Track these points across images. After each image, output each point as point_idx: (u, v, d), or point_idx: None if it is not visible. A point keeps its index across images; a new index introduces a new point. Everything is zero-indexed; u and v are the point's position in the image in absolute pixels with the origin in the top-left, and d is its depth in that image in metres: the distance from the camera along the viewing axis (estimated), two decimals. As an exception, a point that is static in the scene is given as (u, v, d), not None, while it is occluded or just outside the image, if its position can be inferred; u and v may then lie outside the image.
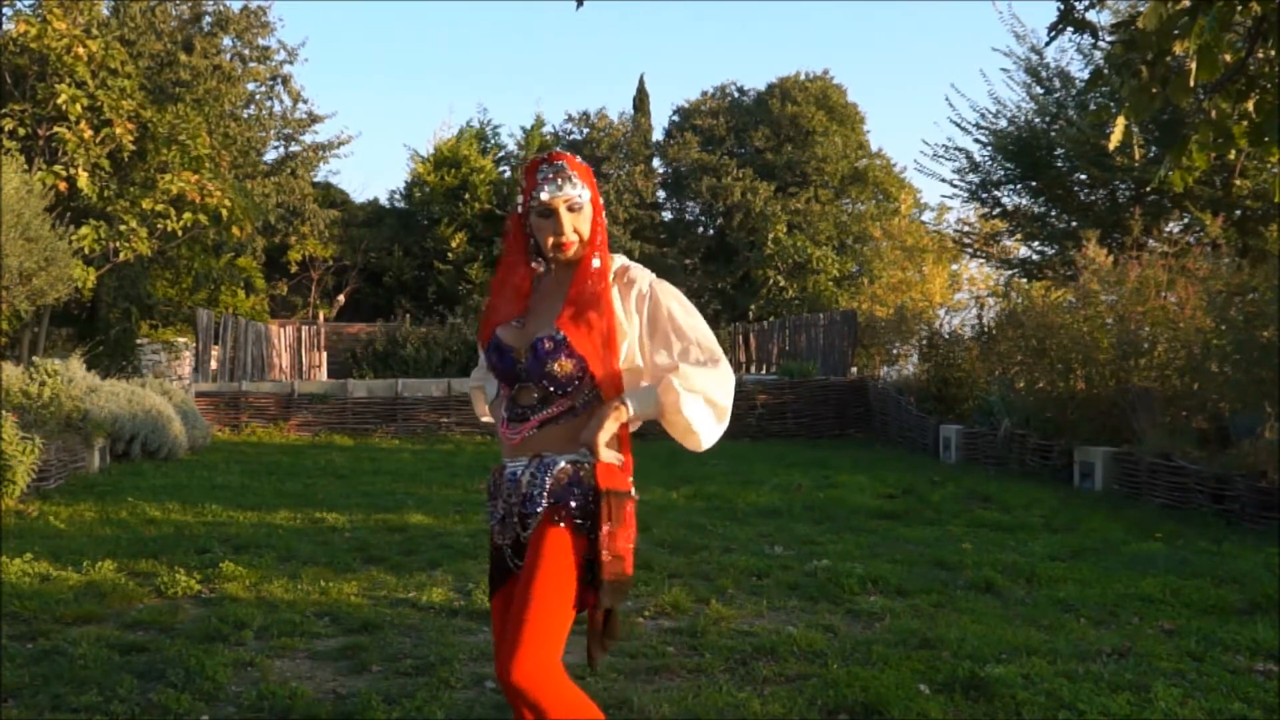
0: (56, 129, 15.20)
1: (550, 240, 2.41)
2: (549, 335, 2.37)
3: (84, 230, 15.19)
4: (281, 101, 24.23)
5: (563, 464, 2.35)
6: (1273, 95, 3.35)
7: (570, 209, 2.40)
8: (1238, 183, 13.47)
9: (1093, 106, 14.26)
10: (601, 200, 2.50)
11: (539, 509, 2.34)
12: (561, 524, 2.31)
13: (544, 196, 2.39)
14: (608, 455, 2.35)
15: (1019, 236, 17.79)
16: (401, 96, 58.39)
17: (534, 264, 2.50)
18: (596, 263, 2.42)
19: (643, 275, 2.48)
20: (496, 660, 2.30)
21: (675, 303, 2.47)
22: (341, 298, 27.90)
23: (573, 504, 2.33)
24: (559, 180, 2.39)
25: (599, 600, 2.33)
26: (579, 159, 2.46)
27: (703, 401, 2.39)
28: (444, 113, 72.28)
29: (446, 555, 6.32)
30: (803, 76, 28.93)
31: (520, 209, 2.47)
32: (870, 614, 4.94)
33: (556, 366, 2.36)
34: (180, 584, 5.41)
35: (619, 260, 2.50)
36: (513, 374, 2.43)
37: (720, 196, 27.39)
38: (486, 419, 2.81)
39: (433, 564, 6.08)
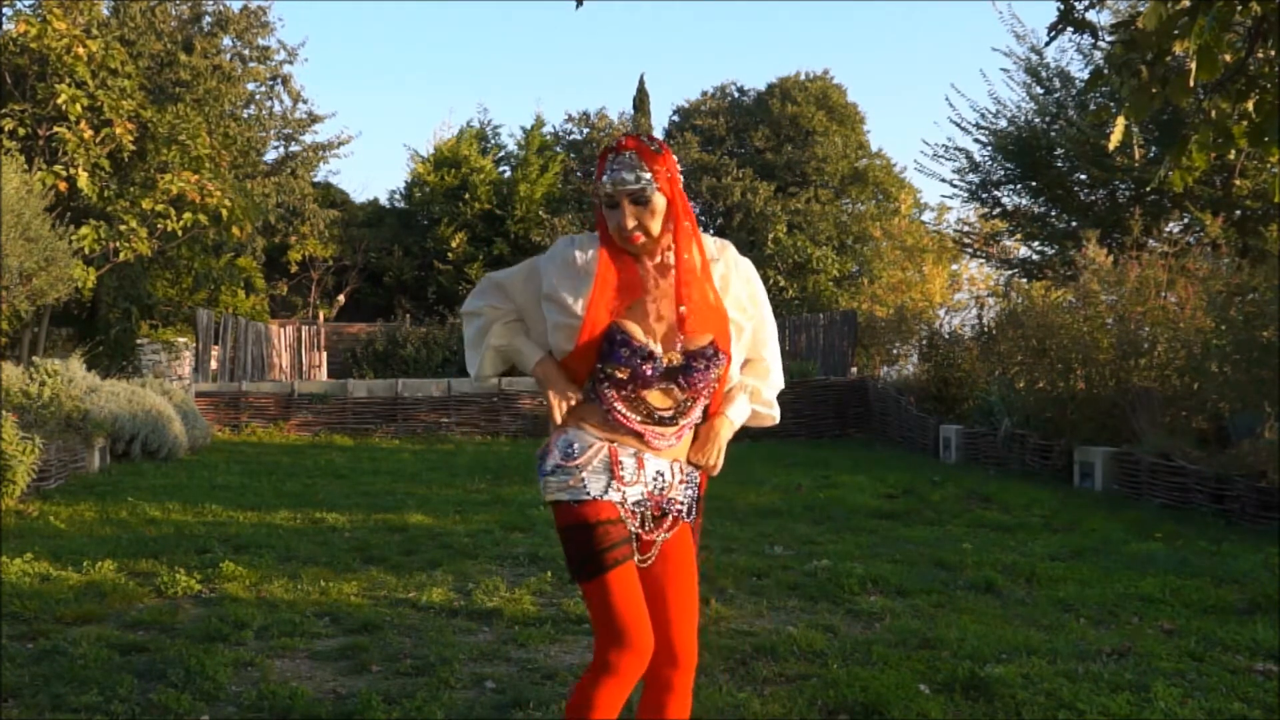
0: (56, 129, 15.18)
1: (616, 230, 2.36)
2: (711, 346, 2.38)
3: (84, 230, 15.17)
4: (281, 101, 24.19)
5: (698, 476, 2.55)
6: (1273, 95, 3.35)
7: (633, 200, 2.33)
8: (1238, 183, 13.47)
9: (1093, 106, 14.27)
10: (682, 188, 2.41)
11: (682, 510, 2.50)
12: (689, 524, 2.56)
13: (606, 187, 2.34)
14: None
15: (1019, 236, 17.78)
16: (401, 96, 58.37)
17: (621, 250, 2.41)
18: (694, 259, 2.38)
19: (712, 248, 2.47)
20: (638, 635, 2.36)
21: (752, 279, 2.51)
22: (341, 298, 27.85)
23: (694, 508, 2.56)
24: (621, 170, 2.33)
25: None
26: (654, 145, 2.36)
27: (775, 390, 2.61)
28: (444, 113, 72.08)
29: (446, 555, 6.32)
30: (803, 76, 28.90)
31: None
32: (870, 614, 4.94)
33: (714, 377, 2.41)
34: (180, 584, 5.41)
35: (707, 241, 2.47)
36: (647, 375, 2.37)
37: (720, 196, 27.37)
38: (486, 377, 2.55)
39: (433, 564, 6.08)
